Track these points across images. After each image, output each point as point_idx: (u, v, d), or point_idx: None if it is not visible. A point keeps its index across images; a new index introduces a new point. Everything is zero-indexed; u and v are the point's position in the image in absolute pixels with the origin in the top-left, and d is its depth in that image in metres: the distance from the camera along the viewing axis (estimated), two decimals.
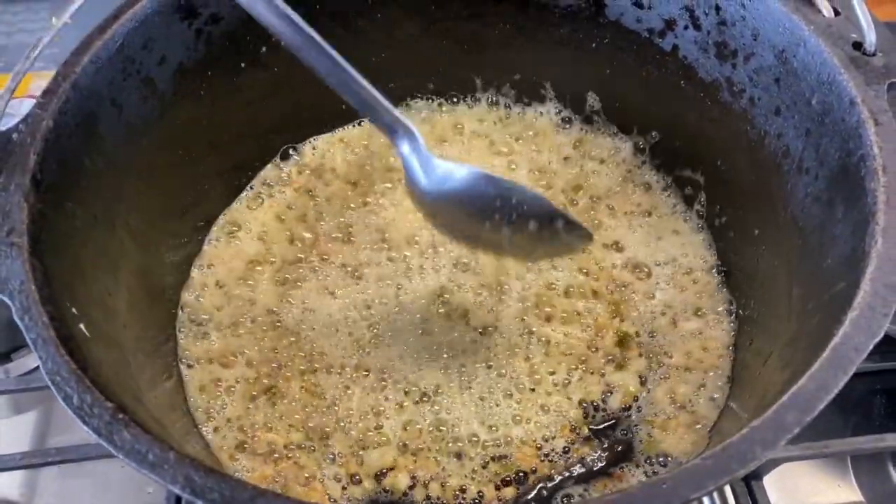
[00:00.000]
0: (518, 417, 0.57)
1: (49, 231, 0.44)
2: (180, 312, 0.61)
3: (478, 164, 0.68)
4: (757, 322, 0.56)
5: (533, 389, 0.58)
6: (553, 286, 0.62)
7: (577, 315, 0.61)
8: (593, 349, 0.59)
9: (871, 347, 0.36)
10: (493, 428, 0.56)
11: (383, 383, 0.58)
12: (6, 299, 0.39)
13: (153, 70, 0.55)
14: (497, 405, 0.57)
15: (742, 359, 0.58)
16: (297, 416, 0.57)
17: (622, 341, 0.60)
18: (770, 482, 0.60)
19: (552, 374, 0.58)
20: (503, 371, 0.59)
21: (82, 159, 0.49)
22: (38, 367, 0.70)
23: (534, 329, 0.60)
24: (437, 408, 0.57)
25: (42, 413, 0.70)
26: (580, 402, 0.57)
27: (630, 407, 0.57)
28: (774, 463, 0.58)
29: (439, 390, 0.58)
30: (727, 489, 0.61)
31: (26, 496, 0.65)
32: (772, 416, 0.34)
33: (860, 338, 0.36)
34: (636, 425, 0.56)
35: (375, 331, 0.61)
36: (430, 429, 0.56)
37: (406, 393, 0.58)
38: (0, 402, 0.70)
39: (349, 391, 0.58)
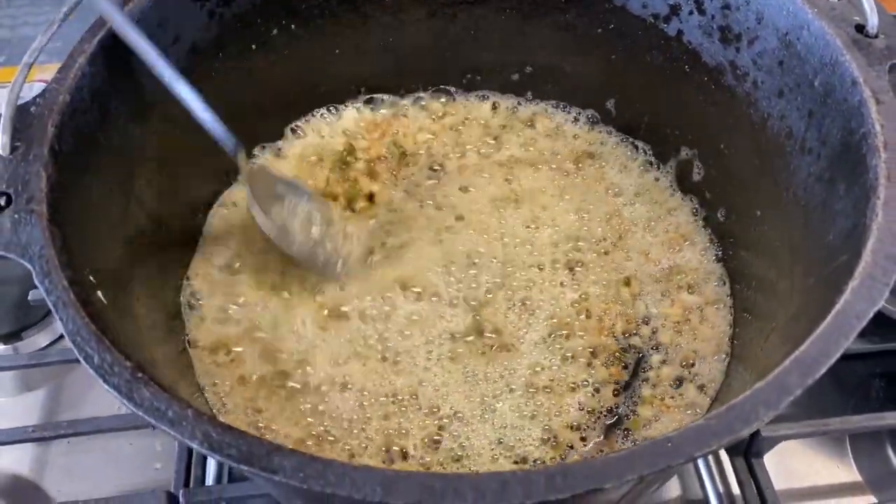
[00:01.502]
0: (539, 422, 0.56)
1: (66, 201, 0.45)
2: (185, 285, 0.62)
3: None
4: (758, 302, 0.57)
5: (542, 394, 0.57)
6: (576, 292, 0.62)
7: (596, 321, 0.61)
8: (605, 350, 0.59)
9: (871, 315, 0.37)
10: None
11: (403, 408, 0.56)
12: (27, 263, 0.40)
13: (167, 49, 0.56)
14: (515, 427, 0.56)
15: (743, 340, 0.58)
16: (309, 420, 0.55)
17: (629, 338, 0.60)
18: (770, 463, 0.61)
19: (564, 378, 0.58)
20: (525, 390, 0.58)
21: (97, 134, 0.50)
22: (48, 346, 0.72)
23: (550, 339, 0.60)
24: (456, 433, 0.55)
25: (51, 390, 0.70)
26: (588, 404, 0.57)
27: (630, 394, 0.57)
28: (775, 440, 0.59)
29: (460, 416, 0.56)
30: (728, 467, 0.62)
31: (36, 471, 0.66)
32: (774, 378, 0.35)
33: (861, 305, 0.37)
34: (632, 411, 0.57)
35: (394, 348, 0.59)
36: (451, 452, 0.55)
37: (427, 416, 0.56)
38: (9, 378, 0.70)
39: (367, 415, 0.56)
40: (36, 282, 0.39)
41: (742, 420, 0.34)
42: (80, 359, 0.36)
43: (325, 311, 0.61)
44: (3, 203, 0.43)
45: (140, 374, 0.36)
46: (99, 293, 0.42)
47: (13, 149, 0.44)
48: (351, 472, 0.33)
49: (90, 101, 0.49)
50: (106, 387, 0.35)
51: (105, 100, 0.51)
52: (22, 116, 0.46)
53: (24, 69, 0.46)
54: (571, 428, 0.55)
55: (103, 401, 0.69)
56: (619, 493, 0.40)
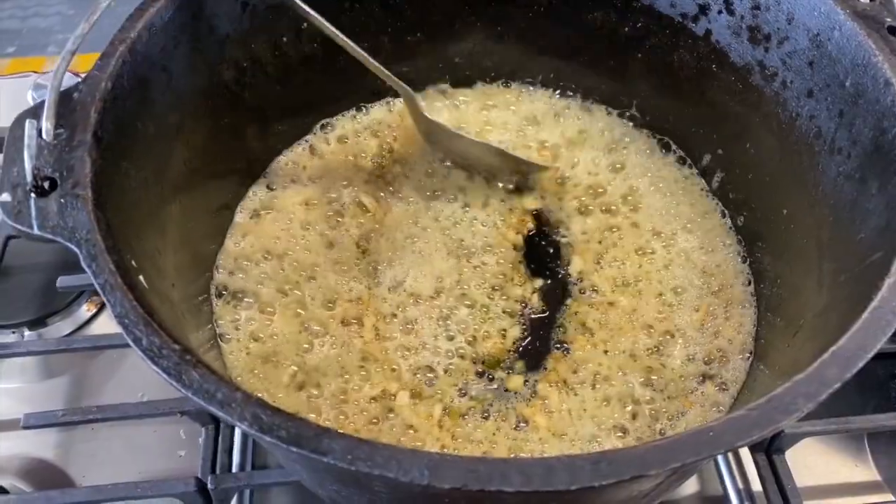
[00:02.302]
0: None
1: (108, 187, 0.45)
2: (215, 274, 0.62)
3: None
4: (783, 301, 0.58)
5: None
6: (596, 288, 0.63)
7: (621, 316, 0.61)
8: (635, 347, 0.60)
9: None
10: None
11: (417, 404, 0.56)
12: (73, 247, 0.40)
13: (202, 40, 0.57)
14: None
15: (766, 339, 0.59)
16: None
17: (656, 332, 0.60)
18: (789, 462, 0.61)
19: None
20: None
21: (136, 122, 0.51)
22: (71, 333, 0.73)
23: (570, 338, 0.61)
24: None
25: (73, 378, 0.71)
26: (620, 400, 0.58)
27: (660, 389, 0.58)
28: (798, 437, 0.59)
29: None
30: (747, 463, 0.62)
31: (60, 456, 0.66)
32: (814, 371, 0.36)
33: None
34: (662, 408, 0.57)
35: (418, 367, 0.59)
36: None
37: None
38: (33, 365, 0.71)
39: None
40: (83, 265, 0.40)
41: (782, 411, 0.35)
42: (130, 341, 0.37)
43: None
44: (47, 187, 0.43)
45: (188, 357, 0.36)
46: (140, 277, 0.43)
47: (56, 134, 0.45)
48: (398, 455, 0.33)
49: (130, 88, 0.50)
50: (155, 369, 0.36)
51: (144, 88, 0.51)
52: (64, 102, 0.46)
53: (68, 56, 0.47)
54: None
55: (125, 389, 0.69)
56: (653, 482, 0.41)
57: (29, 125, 0.43)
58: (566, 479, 0.33)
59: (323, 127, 0.72)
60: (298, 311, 0.61)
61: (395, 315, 0.61)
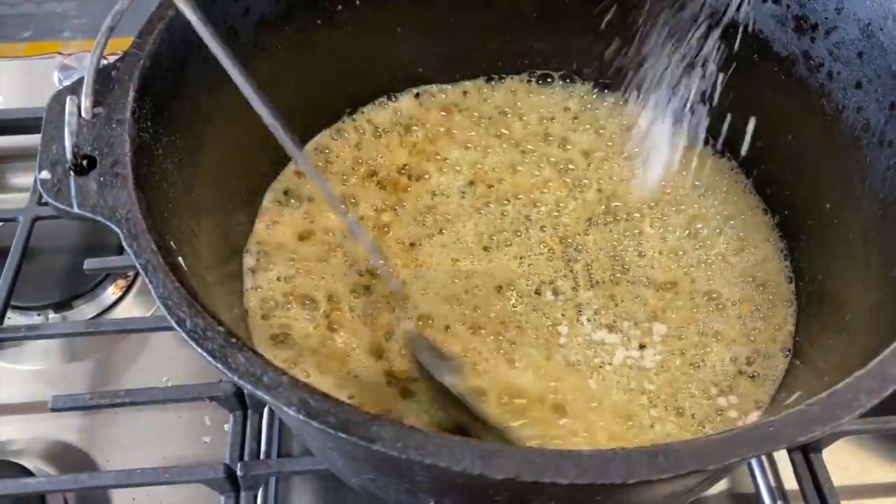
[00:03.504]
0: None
1: (146, 167, 0.44)
2: (245, 257, 0.61)
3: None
4: (826, 297, 0.56)
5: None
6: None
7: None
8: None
9: None
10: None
11: None
12: (114, 226, 0.40)
13: (237, 20, 0.56)
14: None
15: (805, 337, 0.58)
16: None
17: (692, 331, 0.59)
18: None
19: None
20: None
21: (173, 102, 0.50)
22: (96, 316, 0.72)
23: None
24: None
25: (97, 361, 0.70)
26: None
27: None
28: (837, 435, 0.58)
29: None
30: (780, 461, 0.62)
31: (84, 440, 0.66)
32: (877, 366, 0.35)
33: None
34: (704, 405, 0.56)
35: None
36: None
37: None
38: (57, 348, 0.71)
39: None
40: (124, 245, 0.39)
41: (844, 407, 0.34)
42: (173, 323, 0.36)
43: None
44: (86, 165, 0.42)
45: (234, 340, 0.35)
46: (180, 259, 0.42)
47: (95, 113, 0.44)
48: (450, 444, 0.33)
49: (168, 67, 0.49)
50: (201, 351, 0.35)
51: (181, 68, 0.50)
52: (101, 80, 0.46)
53: (107, 32, 0.46)
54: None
55: (148, 373, 0.69)
56: (701, 478, 0.40)
57: (70, 102, 0.43)
58: (623, 472, 0.32)
59: (351, 113, 0.71)
60: (331, 325, 0.59)
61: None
